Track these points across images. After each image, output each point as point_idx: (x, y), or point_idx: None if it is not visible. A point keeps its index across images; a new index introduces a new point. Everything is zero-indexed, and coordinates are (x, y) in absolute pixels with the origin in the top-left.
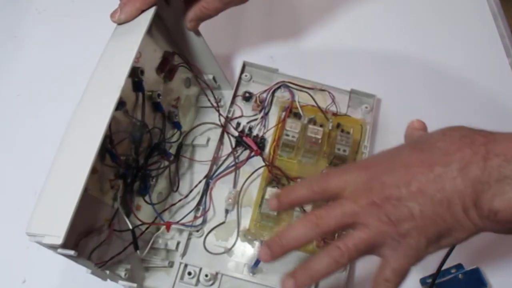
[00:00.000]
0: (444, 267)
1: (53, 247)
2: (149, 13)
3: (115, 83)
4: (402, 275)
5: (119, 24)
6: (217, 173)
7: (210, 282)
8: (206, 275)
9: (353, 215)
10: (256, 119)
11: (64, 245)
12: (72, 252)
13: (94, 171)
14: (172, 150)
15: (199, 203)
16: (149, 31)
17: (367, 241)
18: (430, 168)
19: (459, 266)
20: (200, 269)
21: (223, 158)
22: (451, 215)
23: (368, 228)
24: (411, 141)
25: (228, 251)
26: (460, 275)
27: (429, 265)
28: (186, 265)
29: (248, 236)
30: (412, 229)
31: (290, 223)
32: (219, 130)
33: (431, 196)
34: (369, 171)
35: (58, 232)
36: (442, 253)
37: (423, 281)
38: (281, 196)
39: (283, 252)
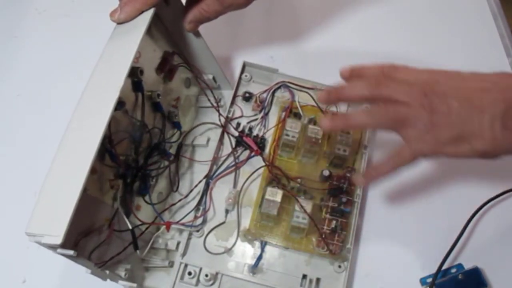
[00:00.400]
0: (444, 267)
1: (52, 247)
2: (149, 14)
3: (114, 83)
4: (415, 157)
5: (119, 23)
6: (217, 173)
7: (210, 282)
8: (206, 275)
9: (404, 94)
10: (256, 119)
11: (64, 245)
12: (71, 252)
13: (93, 171)
14: (172, 150)
15: (199, 203)
16: (149, 31)
17: (403, 115)
18: (481, 82)
19: (459, 266)
20: (200, 269)
21: (223, 158)
22: (479, 120)
23: (409, 107)
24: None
25: (228, 251)
26: (460, 275)
27: (429, 265)
28: (186, 265)
29: (248, 236)
30: (442, 122)
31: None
32: (219, 130)
33: (471, 100)
34: (432, 72)
35: (58, 232)
36: (442, 253)
37: (423, 281)
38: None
39: (338, 100)
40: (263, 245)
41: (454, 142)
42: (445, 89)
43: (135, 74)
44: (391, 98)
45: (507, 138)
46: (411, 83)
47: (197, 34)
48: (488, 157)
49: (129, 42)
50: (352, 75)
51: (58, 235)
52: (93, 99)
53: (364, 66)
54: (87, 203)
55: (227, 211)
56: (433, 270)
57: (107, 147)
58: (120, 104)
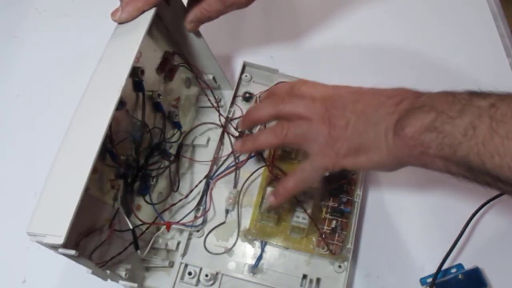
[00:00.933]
0: (444, 267)
1: (54, 247)
2: (150, 13)
3: (115, 83)
4: (316, 171)
5: (120, 23)
6: (217, 173)
7: (211, 282)
8: (207, 275)
9: (306, 109)
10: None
11: (65, 245)
12: (73, 252)
13: (94, 171)
14: (172, 150)
15: (199, 203)
16: (149, 31)
17: (305, 131)
18: (377, 97)
19: (459, 266)
20: (201, 269)
21: (223, 158)
22: (374, 133)
23: (310, 121)
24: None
25: (229, 251)
26: (460, 275)
27: (429, 265)
28: (186, 265)
29: (248, 236)
30: (341, 136)
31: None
32: (219, 130)
33: (367, 114)
34: (336, 88)
35: (59, 232)
36: (442, 253)
37: (423, 281)
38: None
39: (251, 123)
40: (263, 245)
41: (352, 154)
42: (344, 104)
43: (136, 74)
44: (294, 113)
45: (399, 148)
46: (314, 97)
47: (198, 34)
48: (385, 169)
49: (131, 42)
50: (266, 96)
51: (60, 235)
52: (94, 99)
53: (276, 85)
54: (88, 203)
55: (227, 211)
56: (433, 270)
57: (108, 147)
58: (121, 104)
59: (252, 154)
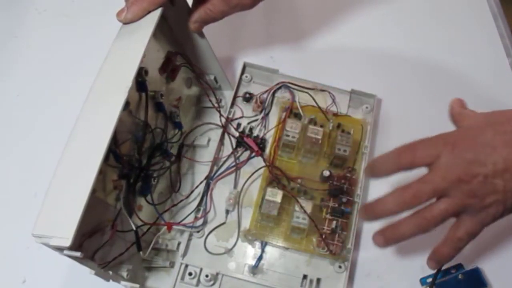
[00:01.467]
0: (444, 267)
1: (59, 249)
2: (156, 14)
3: (122, 84)
4: (473, 236)
5: (125, 23)
6: (217, 173)
7: (211, 283)
8: (207, 276)
9: (442, 190)
10: (256, 120)
11: (71, 247)
12: (78, 254)
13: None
14: (173, 150)
15: (199, 204)
16: (154, 32)
17: (451, 211)
18: (507, 147)
19: (459, 266)
20: (201, 270)
21: (223, 159)
22: None
23: (454, 201)
24: (467, 124)
25: (229, 251)
26: (460, 275)
27: None
28: (186, 266)
29: (248, 236)
30: (494, 202)
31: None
32: (220, 131)
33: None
34: (455, 148)
35: (66, 234)
36: None
37: (423, 281)
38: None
39: (376, 218)
40: (264, 245)
41: (510, 210)
42: (482, 169)
43: (139, 74)
44: (432, 196)
45: None
46: (440, 167)
47: (202, 35)
48: None
49: (137, 43)
50: (374, 175)
51: (66, 237)
52: (100, 100)
53: (378, 162)
54: (92, 204)
55: (227, 212)
56: (433, 270)
57: (112, 147)
58: (125, 105)
59: (253, 155)
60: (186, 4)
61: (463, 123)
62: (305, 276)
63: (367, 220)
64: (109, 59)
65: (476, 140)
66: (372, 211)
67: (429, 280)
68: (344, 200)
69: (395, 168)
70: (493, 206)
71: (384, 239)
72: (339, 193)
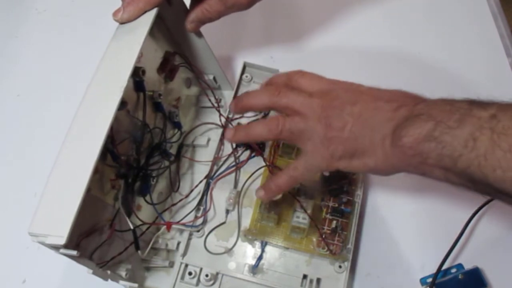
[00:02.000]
0: (444, 267)
1: (55, 247)
2: (151, 14)
3: (117, 83)
4: (309, 170)
5: (121, 23)
6: (217, 173)
7: (211, 282)
8: (207, 275)
9: (303, 105)
10: (256, 120)
11: (66, 245)
12: (74, 252)
13: (95, 171)
14: (173, 150)
15: (199, 203)
16: (151, 31)
17: (300, 128)
18: (375, 100)
19: (459, 266)
20: (201, 269)
21: (223, 159)
22: (370, 138)
23: (307, 120)
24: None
25: (229, 251)
26: (460, 275)
27: (429, 265)
28: (186, 265)
29: (248, 236)
30: (337, 138)
31: None
32: (220, 131)
33: (365, 118)
34: (334, 84)
35: (61, 233)
36: (442, 253)
37: (423, 281)
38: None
39: (243, 108)
40: (264, 245)
41: (347, 157)
42: (342, 104)
43: (137, 74)
44: (290, 108)
45: (396, 156)
46: (311, 93)
47: (199, 35)
48: (379, 173)
49: (132, 42)
50: (265, 84)
51: (61, 236)
52: (96, 99)
53: (275, 75)
54: (89, 203)
55: (227, 211)
56: (433, 270)
57: (109, 147)
58: (122, 104)
59: (253, 155)
60: (183, 4)
61: None
62: (305, 276)
63: (235, 111)
64: (105, 59)
65: (352, 87)
66: (240, 102)
67: (429, 280)
68: (344, 200)
69: (282, 82)
70: (334, 142)
71: (234, 135)
72: (339, 193)
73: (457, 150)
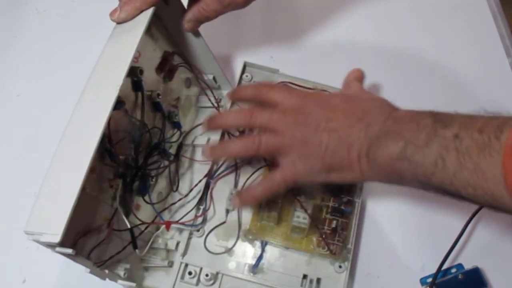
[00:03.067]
0: (444, 267)
1: (51, 246)
2: (148, 13)
3: (113, 82)
4: (287, 183)
5: (118, 23)
6: (218, 173)
7: (211, 282)
8: (207, 275)
9: (278, 123)
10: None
11: (62, 244)
12: (70, 251)
13: (93, 170)
14: (172, 150)
15: (199, 203)
16: (149, 31)
17: (277, 146)
18: (349, 117)
19: (459, 266)
20: (201, 269)
21: (223, 158)
22: (347, 156)
23: (283, 137)
24: (346, 92)
25: (229, 251)
26: (460, 275)
27: (429, 265)
28: (186, 265)
29: (249, 236)
30: (314, 154)
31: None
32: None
33: (340, 137)
34: (305, 99)
35: (56, 231)
36: (442, 253)
37: (423, 281)
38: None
39: (216, 127)
40: (264, 245)
41: (325, 171)
42: (317, 121)
43: (134, 73)
44: (265, 127)
45: (374, 172)
46: (284, 109)
47: (197, 34)
48: (357, 183)
49: (129, 42)
50: (233, 98)
51: (56, 234)
52: (92, 98)
53: (240, 88)
54: (86, 202)
55: (227, 211)
56: (433, 270)
57: (107, 147)
58: (119, 104)
59: None
60: (181, 3)
61: (344, 91)
62: (305, 276)
63: (207, 129)
64: (101, 58)
65: (326, 101)
66: (213, 122)
67: (429, 280)
68: (344, 200)
69: (250, 95)
70: (312, 158)
71: (211, 153)
72: (339, 193)
73: (429, 169)
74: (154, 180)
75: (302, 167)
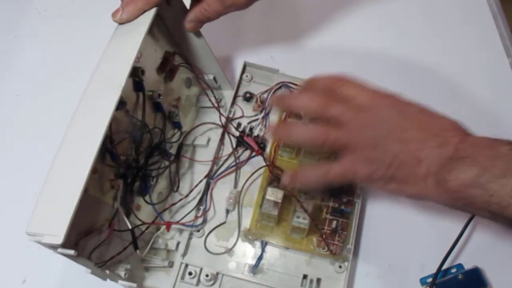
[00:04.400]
0: (444, 267)
1: (53, 247)
2: (150, 14)
3: (115, 83)
4: (342, 179)
5: (121, 23)
6: (218, 173)
7: (211, 282)
8: (207, 275)
9: (350, 120)
10: (257, 120)
11: (64, 245)
12: (71, 252)
13: (94, 171)
14: (173, 150)
15: (199, 203)
16: (150, 31)
17: (344, 143)
18: (424, 131)
19: (459, 266)
20: (201, 269)
21: (224, 158)
22: (414, 171)
23: (352, 136)
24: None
25: (229, 251)
26: (460, 275)
27: (429, 265)
28: (187, 265)
29: (249, 236)
30: (380, 161)
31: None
32: (220, 130)
33: (411, 149)
34: (380, 100)
35: (58, 232)
36: (442, 253)
37: (423, 281)
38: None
39: (284, 107)
40: (264, 245)
41: (384, 180)
42: (390, 128)
43: (136, 74)
44: (336, 120)
45: (441, 195)
46: (358, 107)
47: (198, 34)
48: (412, 199)
49: (131, 42)
50: (305, 86)
51: (58, 235)
52: (94, 99)
53: (315, 78)
54: (87, 203)
55: (227, 211)
56: (433, 270)
57: (108, 147)
58: (121, 104)
59: (253, 154)
60: (183, 4)
61: None
62: (305, 276)
63: (275, 105)
64: (103, 58)
65: (403, 110)
66: (283, 100)
67: (429, 280)
68: (344, 200)
69: (323, 85)
70: (376, 165)
71: (275, 131)
72: (339, 193)
73: (504, 199)
74: (154, 180)
75: (363, 170)
